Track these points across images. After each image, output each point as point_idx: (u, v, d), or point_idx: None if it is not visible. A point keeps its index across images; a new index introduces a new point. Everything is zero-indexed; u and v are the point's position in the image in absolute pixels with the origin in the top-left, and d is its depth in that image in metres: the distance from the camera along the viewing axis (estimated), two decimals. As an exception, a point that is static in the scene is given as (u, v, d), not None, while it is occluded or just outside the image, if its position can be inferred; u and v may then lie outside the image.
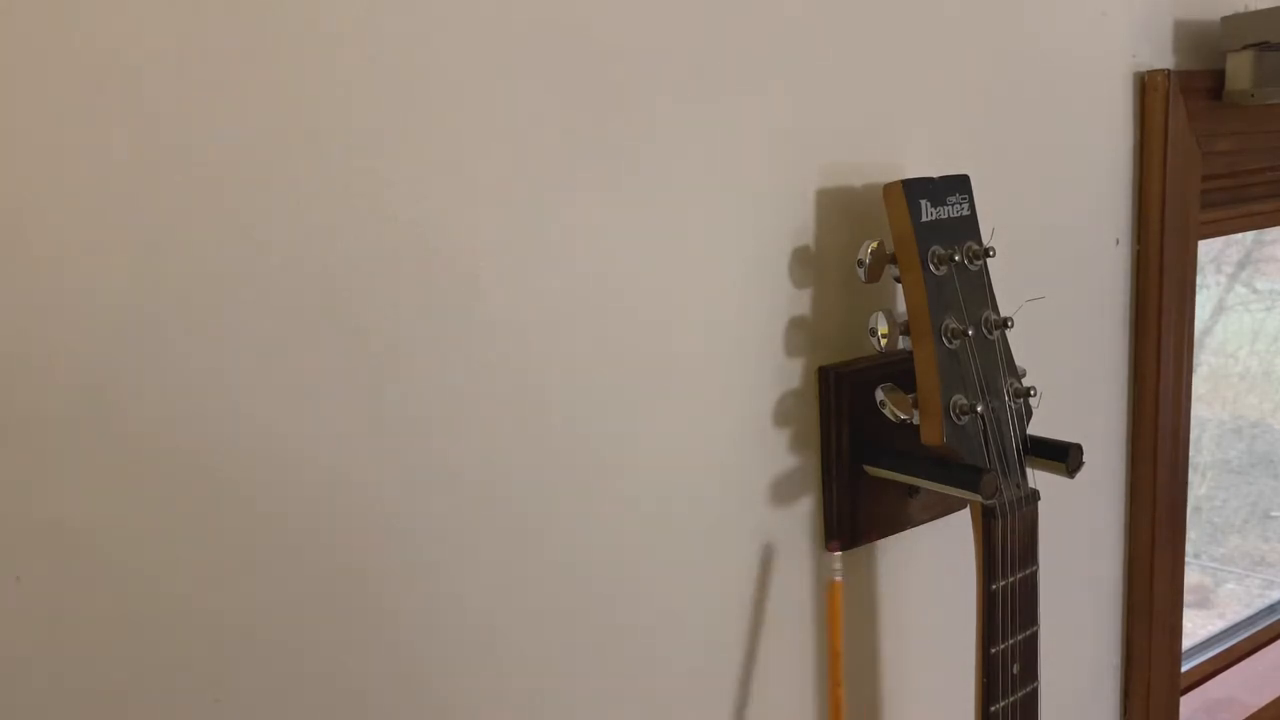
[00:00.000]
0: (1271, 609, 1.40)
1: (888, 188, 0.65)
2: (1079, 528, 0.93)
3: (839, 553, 0.68)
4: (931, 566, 0.81)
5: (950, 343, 0.65)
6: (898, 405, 0.66)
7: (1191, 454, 1.01)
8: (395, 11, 0.52)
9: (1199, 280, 0.97)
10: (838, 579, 0.68)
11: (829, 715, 0.66)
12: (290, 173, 0.50)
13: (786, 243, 0.68)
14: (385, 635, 0.56)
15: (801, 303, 0.69)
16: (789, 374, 0.70)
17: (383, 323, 0.54)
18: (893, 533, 0.75)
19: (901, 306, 0.67)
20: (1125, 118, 0.89)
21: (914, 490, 0.75)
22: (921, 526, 0.77)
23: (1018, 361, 0.70)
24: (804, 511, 0.72)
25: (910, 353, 0.66)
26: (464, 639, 0.59)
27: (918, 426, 0.66)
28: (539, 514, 0.60)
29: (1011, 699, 0.68)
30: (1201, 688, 1.24)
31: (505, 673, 0.60)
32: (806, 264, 0.69)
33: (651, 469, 0.64)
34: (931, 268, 0.64)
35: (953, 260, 0.65)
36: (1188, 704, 1.19)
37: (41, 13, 0.44)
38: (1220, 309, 1.59)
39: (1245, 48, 0.90)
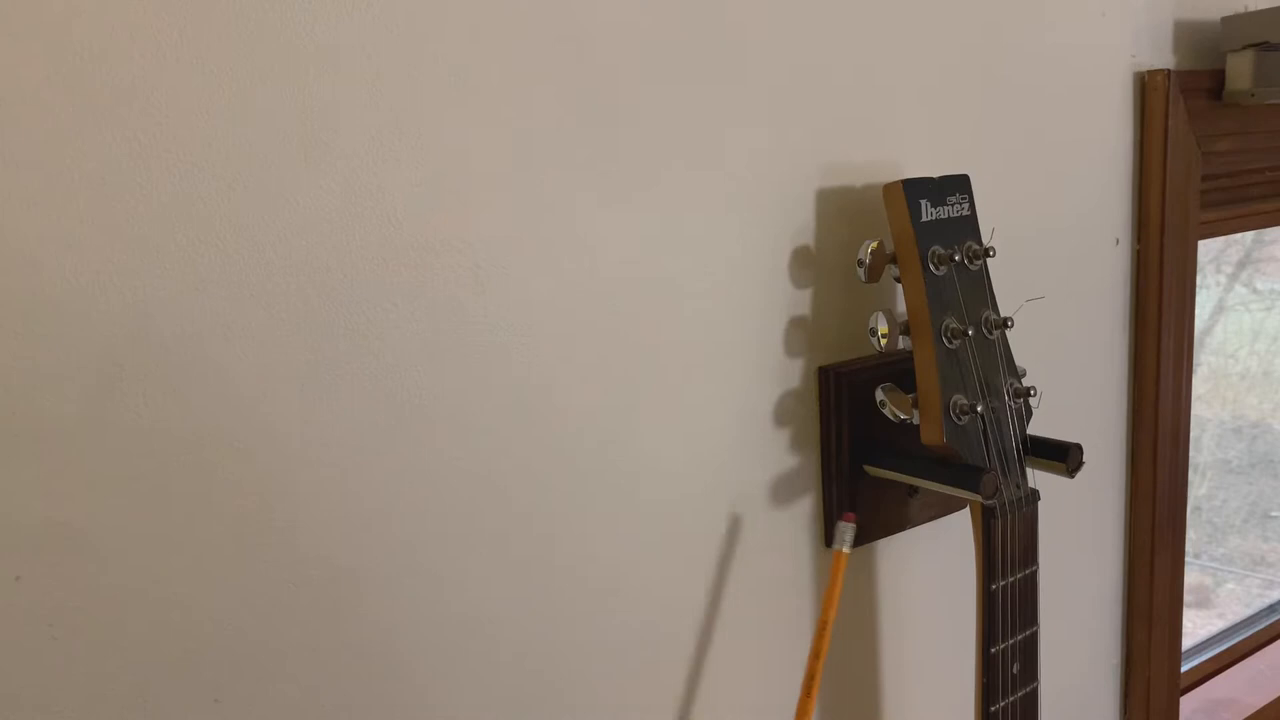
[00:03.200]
0: (1271, 609, 1.40)
1: (888, 188, 0.65)
2: (1079, 528, 0.93)
3: (852, 524, 0.67)
4: (931, 566, 0.81)
5: (950, 343, 0.65)
6: (898, 405, 0.66)
7: (1191, 454, 1.01)
8: (398, 13, 0.52)
9: (1199, 280, 0.97)
10: (846, 549, 0.66)
11: (804, 685, 0.65)
12: (291, 174, 0.50)
13: (786, 243, 0.68)
14: (384, 634, 0.56)
15: (801, 303, 0.69)
16: (789, 374, 0.70)
17: (382, 322, 0.54)
18: (893, 533, 0.75)
19: (901, 306, 0.67)
20: (1125, 118, 0.89)
21: (914, 490, 0.75)
22: (921, 526, 0.77)
23: (1018, 361, 0.70)
24: (804, 511, 0.72)
25: (910, 353, 0.66)
26: (462, 639, 0.59)
27: (918, 426, 0.66)
28: (538, 514, 0.60)
29: (1011, 699, 0.68)
30: (1201, 688, 1.24)
31: (503, 670, 0.60)
32: (806, 264, 0.69)
33: (651, 469, 0.64)
34: (931, 268, 0.65)
35: (953, 260, 0.65)
36: (1188, 704, 1.19)
37: (39, 14, 0.44)
38: (1220, 309, 1.59)
39: (1245, 48, 0.90)
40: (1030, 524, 0.68)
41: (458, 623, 0.58)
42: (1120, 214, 0.91)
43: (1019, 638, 0.68)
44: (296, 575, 0.53)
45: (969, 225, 0.67)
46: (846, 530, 0.66)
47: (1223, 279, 1.58)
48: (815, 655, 0.66)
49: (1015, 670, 0.68)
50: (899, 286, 0.67)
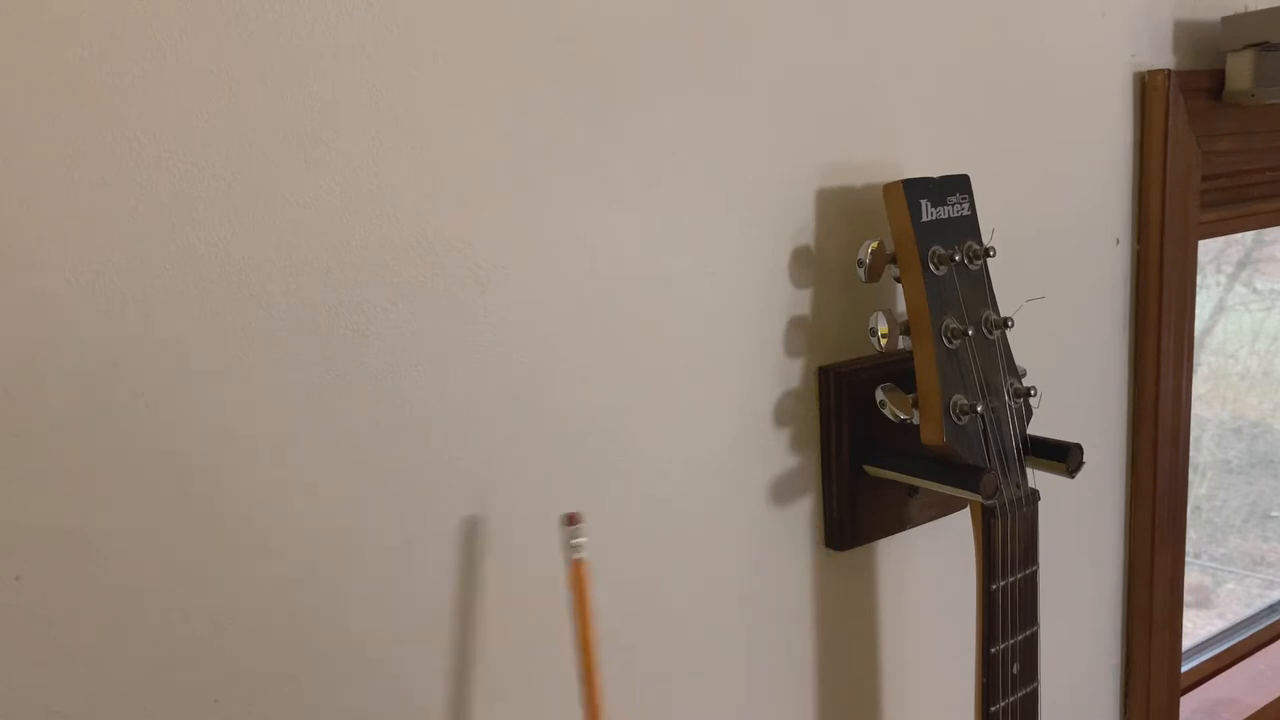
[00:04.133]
0: (1271, 609, 1.40)
1: (888, 188, 0.65)
2: (1079, 528, 0.93)
3: (581, 524, 0.56)
4: (931, 566, 0.81)
5: (950, 343, 0.65)
6: (898, 405, 0.66)
7: (1191, 454, 1.01)
8: (398, 13, 0.52)
9: (1199, 280, 0.97)
10: (580, 555, 0.56)
11: (585, 707, 0.55)
12: (291, 174, 0.50)
13: (786, 243, 0.68)
14: (384, 635, 0.56)
15: (801, 303, 0.69)
16: (789, 374, 0.70)
17: (382, 322, 0.54)
18: (892, 533, 0.75)
19: (901, 306, 0.67)
20: (1125, 118, 0.89)
21: (914, 490, 0.75)
22: (921, 526, 0.77)
23: (1018, 361, 0.70)
24: (804, 511, 0.72)
25: (910, 353, 0.66)
26: (462, 639, 0.59)
27: (918, 426, 0.66)
28: (538, 514, 0.60)
29: (1011, 699, 0.68)
30: (1201, 688, 1.24)
31: (501, 671, 0.60)
32: (806, 264, 0.69)
33: (651, 469, 0.64)
34: (931, 268, 0.65)
35: (953, 260, 0.65)
36: (1188, 704, 1.19)
37: (39, 14, 0.44)
38: (1220, 309, 1.59)
39: (1245, 48, 0.90)
40: (1030, 524, 0.68)
41: (458, 623, 0.58)
42: (1120, 214, 0.91)
43: (1019, 638, 0.68)
44: (297, 575, 0.53)
45: (969, 225, 0.67)
46: (572, 533, 0.56)
47: (1223, 279, 1.58)
48: (587, 678, 0.56)
49: (1015, 670, 0.68)
50: (899, 286, 0.67)
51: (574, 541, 0.55)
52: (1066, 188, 0.86)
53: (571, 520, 0.56)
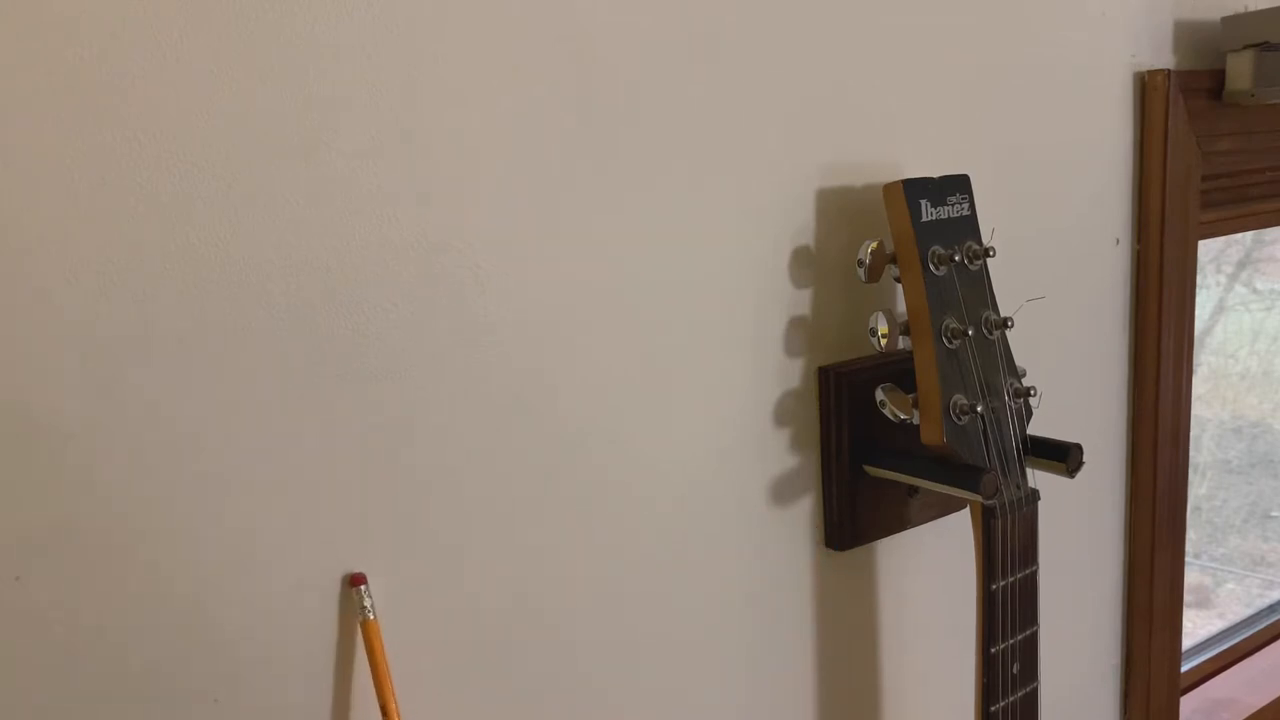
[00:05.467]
0: (1271, 609, 1.40)
1: (888, 188, 0.65)
2: (1079, 528, 0.93)
3: (362, 586, 0.54)
4: (931, 566, 0.81)
5: (950, 343, 0.65)
6: (898, 405, 0.66)
7: (1191, 454, 1.01)
8: (398, 13, 0.52)
9: (1199, 280, 0.97)
10: (371, 616, 0.53)
11: None
12: (291, 174, 0.50)
13: (787, 243, 0.68)
14: (385, 635, 0.56)
15: (801, 303, 0.69)
16: (789, 374, 0.70)
17: (382, 322, 0.54)
18: (892, 533, 0.75)
19: (901, 306, 0.67)
20: (1125, 118, 0.89)
21: (914, 490, 0.75)
22: (921, 526, 0.77)
23: (1018, 361, 0.70)
24: (804, 511, 0.72)
25: (910, 353, 0.66)
26: (463, 640, 0.59)
27: (918, 426, 0.66)
28: (538, 515, 0.60)
29: (1011, 699, 0.68)
30: (1201, 688, 1.24)
31: (501, 670, 0.60)
32: (806, 264, 0.69)
33: (651, 469, 0.64)
34: (931, 268, 0.65)
35: (953, 260, 0.65)
36: (1188, 704, 1.19)
37: (39, 14, 0.44)
38: (1220, 309, 1.59)
39: (1245, 48, 0.90)
40: (1030, 524, 0.68)
41: (458, 624, 0.58)
42: (1120, 214, 0.91)
43: (1019, 638, 0.68)
44: (297, 576, 0.53)
45: (969, 225, 0.67)
46: (363, 595, 0.54)
47: (1223, 279, 1.58)
48: None
49: (1015, 670, 0.68)
50: (899, 286, 0.67)
51: (365, 604, 0.53)
52: (1066, 188, 0.86)
53: (355, 581, 0.53)
